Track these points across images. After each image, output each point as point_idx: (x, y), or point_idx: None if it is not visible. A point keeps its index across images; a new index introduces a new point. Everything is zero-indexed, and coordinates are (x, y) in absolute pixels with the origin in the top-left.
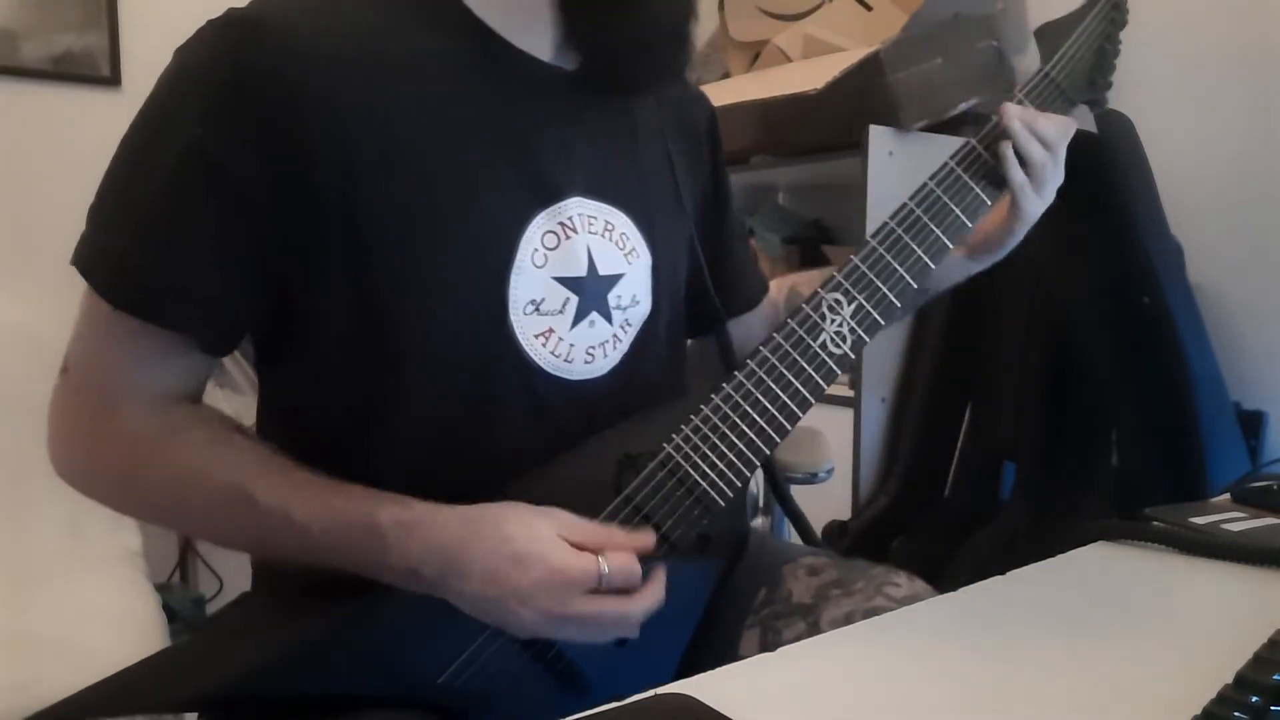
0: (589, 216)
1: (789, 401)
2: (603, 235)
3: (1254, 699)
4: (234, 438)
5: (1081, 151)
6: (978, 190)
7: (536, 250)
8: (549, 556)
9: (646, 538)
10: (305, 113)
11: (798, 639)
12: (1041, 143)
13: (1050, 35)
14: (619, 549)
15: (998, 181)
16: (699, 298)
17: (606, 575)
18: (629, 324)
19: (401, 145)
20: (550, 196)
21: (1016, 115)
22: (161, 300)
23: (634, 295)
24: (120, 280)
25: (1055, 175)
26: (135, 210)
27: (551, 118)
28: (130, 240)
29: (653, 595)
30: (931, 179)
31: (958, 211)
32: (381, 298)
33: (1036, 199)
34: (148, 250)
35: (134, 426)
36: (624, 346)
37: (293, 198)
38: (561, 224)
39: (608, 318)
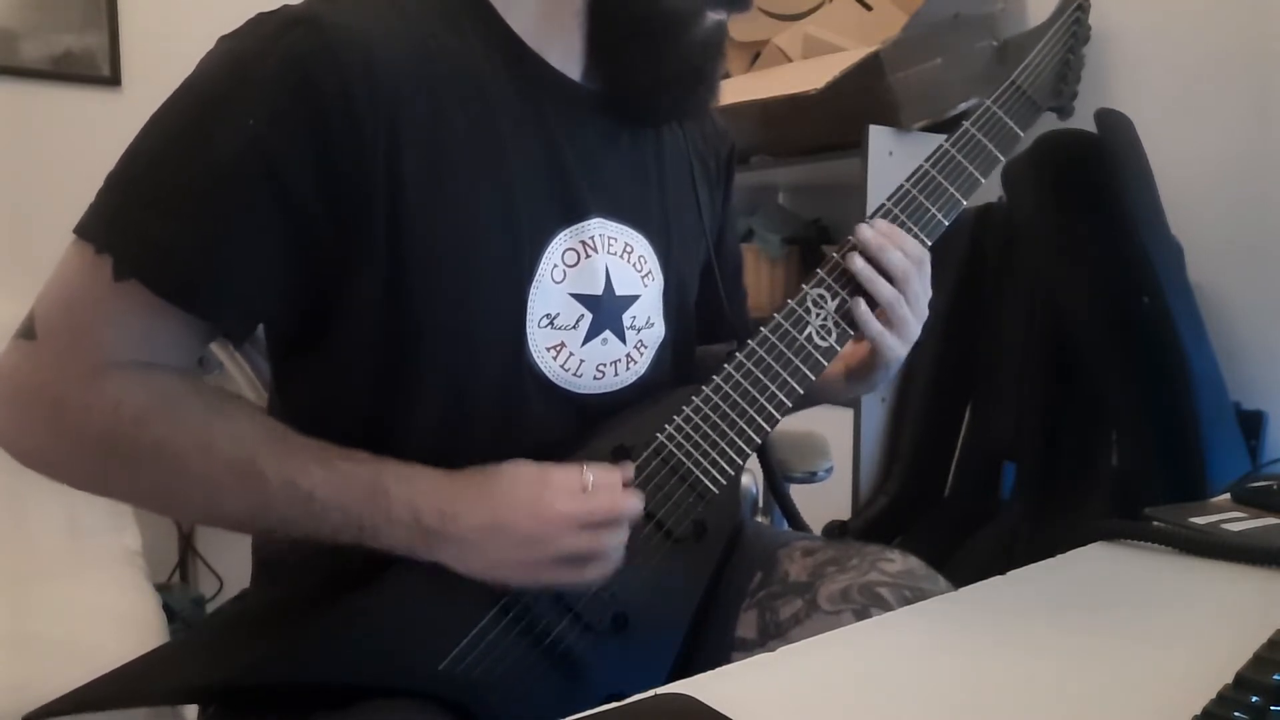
0: (610, 237)
1: (777, 392)
2: (621, 256)
3: (1254, 699)
4: (230, 407)
5: (1081, 151)
6: (952, 190)
7: (556, 266)
8: (535, 468)
9: (626, 468)
10: (363, 124)
11: (795, 617)
12: (889, 277)
13: (1017, 47)
14: (599, 465)
15: (983, 166)
16: (711, 320)
17: (589, 479)
18: (644, 345)
19: (449, 158)
20: (575, 215)
21: (867, 239)
22: (197, 287)
23: (649, 317)
24: (155, 261)
25: (913, 312)
26: (179, 193)
27: (582, 137)
28: (170, 222)
29: (637, 499)
30: (908, 179)
31: (934, 210)
32: (412, 304)
33: (896, 342)
34: (189, 236)
35: (118, 395)
36: (639, 368)
37: (342, 207)
38: (583, 242)
39: (621, 337)
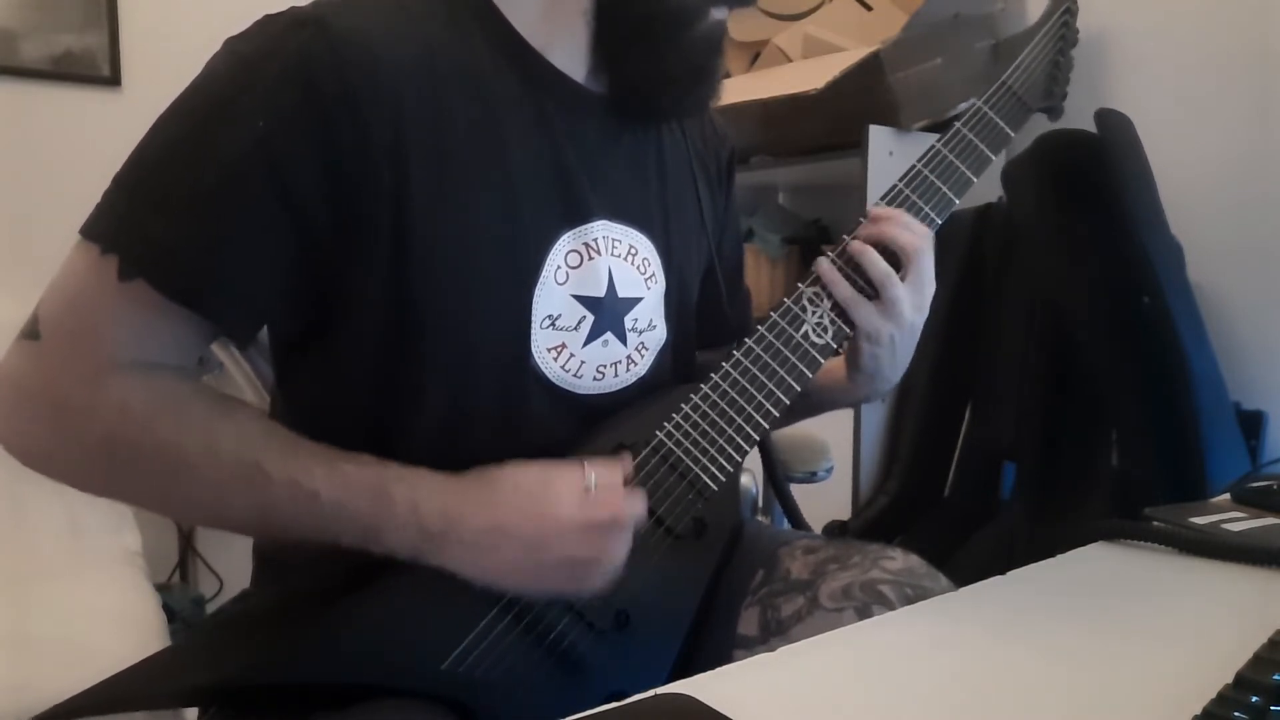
0: (613, 239)
1: (774, 389)
2: (625, 258)
3: (1254, 699)
4: (234, 410)
5: (1082, 151)
6: (944, 189)
7: (559, 268)
8: (538, 470)
9: (626, 462)
10: (369, 125)
11: (797, 614)
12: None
13: (1008, 48)
14: (601, 463)
15: (975, 165)
16: (711, 322)
17: (592, 481)
18: (645, 347)
19: (453, 159)
20: (578, 217)
21: (877, 212)
22: (202, 287)
23: (650, 320)
24: (160, 261)
25: (912, 293)
26: (185, 194)
27: (586, 139)
28: (175, 223)
29: (639, 502)
30: (902, 179)
31: (927, 209)
32: (415, 304)
33: (882, 321)
34: (194, 236)
35: (122, 397)
36: (639, 369)
37: (346, 208)
38: (586, 244)
39: (622, 339)
